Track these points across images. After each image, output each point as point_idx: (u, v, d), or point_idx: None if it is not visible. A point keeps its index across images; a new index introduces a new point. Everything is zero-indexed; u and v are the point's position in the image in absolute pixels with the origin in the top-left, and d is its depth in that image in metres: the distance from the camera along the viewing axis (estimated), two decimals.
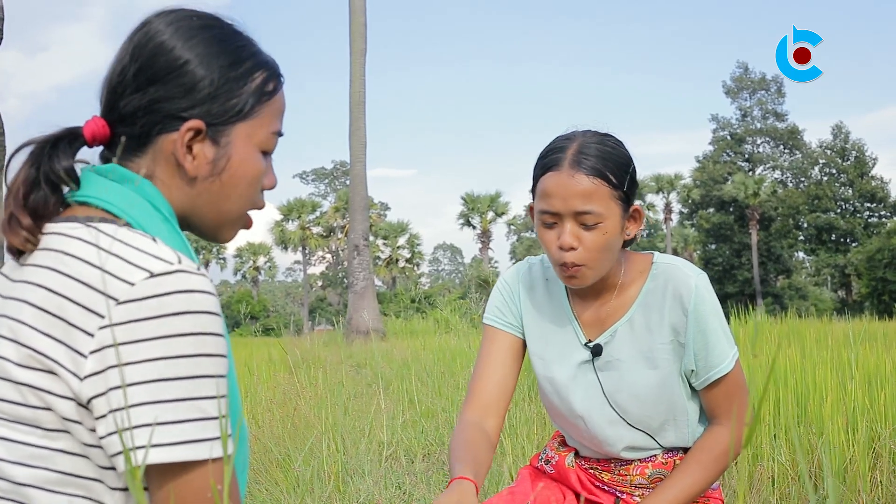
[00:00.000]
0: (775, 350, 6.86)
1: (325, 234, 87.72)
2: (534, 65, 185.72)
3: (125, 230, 1.53)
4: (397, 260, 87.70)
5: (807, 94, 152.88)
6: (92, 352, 1.43)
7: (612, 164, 2.47)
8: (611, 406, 2.65)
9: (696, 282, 2.55)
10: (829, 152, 76.07)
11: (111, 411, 1.42)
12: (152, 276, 1.44)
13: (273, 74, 1.77)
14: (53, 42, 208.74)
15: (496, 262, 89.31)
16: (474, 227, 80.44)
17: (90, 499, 1.51)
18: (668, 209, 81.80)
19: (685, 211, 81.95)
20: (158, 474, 1.45)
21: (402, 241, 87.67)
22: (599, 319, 2.68)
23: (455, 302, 22.39)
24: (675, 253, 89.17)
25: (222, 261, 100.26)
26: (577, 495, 2.80)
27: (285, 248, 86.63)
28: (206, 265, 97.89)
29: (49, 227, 1.58)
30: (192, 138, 1.66)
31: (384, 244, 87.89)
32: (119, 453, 1.42)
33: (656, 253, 2.69)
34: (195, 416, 1.43)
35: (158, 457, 1.41)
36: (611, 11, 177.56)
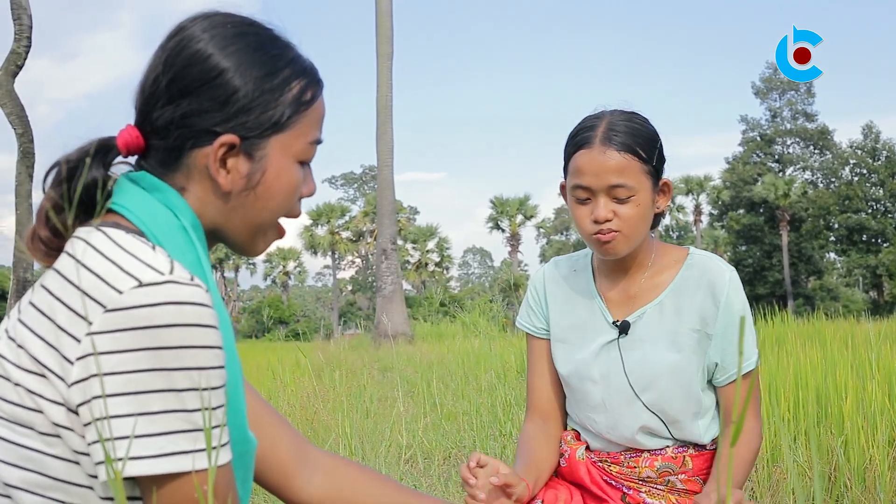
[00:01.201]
0: (797, 350, 6.82)
1: (354, 238, 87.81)
2: (564, 70, 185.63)
3: (126, 236, 1.51)
4: (427, 264, 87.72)
5: (837, 94, 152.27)
6: (78, 358, 1.42)
7: (641, 139, 2.58)
8: (629, 384, 2.70)
9: (730, 276, 2.67)
10: (859, 152, 75.51)
11: (95, 420, 1.41)
12: (141, 285, 1.42)
13: (312, 81, 1.73)
14: (83, 50, 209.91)
15: (526, 265, 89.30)
16: (503, 231, 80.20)
17: None
18: (697, 211, 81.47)
19: (715, 212, 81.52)
20: (149, 485, 1.45)
21: (431, 244, 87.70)
22: (628, 298, 2.76)
23: (485, 305, 22.36)
24: None
25: (252, 266, 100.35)
26: (583, 495, 2.81)
27: (315, 252, 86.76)
28: (237, 270, 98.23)
29: (76, 232, 1.56)
30: (226, 153, 1.63)
31: (413, 248, 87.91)
32: (102, 462, 1.41)
33: (692, 248, 2.79)
34: (182, 427, 1.42)
35: (141, 469, 1.40)
36: (639, 16, 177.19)
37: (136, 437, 1.39)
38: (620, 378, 2.71)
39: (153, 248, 1.50)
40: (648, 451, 2.73)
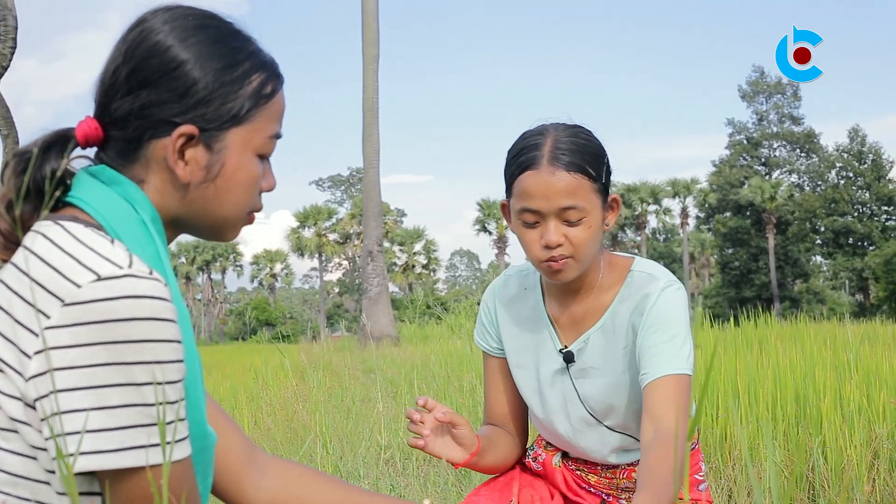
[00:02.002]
0: (777, 351, 6.84)
1: (341, 240, 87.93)
2: (550, 70, 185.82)
3: (85, 229, 1.50)
4: (414, 266, 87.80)
5: (823, 97, 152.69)
6: (36, 352, 1.41)
7: (589, 156, 2.44)
8: (588, 412, 2.64)
9: (662, 288, 2.52)
10: (845, 156, 75.69)
11: (53, 414, 1.40)
12: (99, 279, 1.41)
13: (272, 75, 1.72)
14: (70, 50, 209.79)
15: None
16: (490, 233, 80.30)
17: (37, 501, 1.49)
18: (684, 214, 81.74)
19: (702, 215, 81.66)
20: (110, 480, 1.44)
21: (418, 247, 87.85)
22: (575, 322, 2.65)
23: (473, 307, 22.36)
24: (692, 258, 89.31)
25: (239, 268, 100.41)
26: (563, 496, 2.80)
27: (302, 254, 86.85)
28: (223, 272, 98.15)
29: (34, 226, 1.55)
30: (185, 144, 1.62)
31: (401, 250, 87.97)
32: (70, 455, 1.40)
33: (637, 258, 2.66)
34: (141, 422, 1.41)
35: (100, 462, 1.40)
36: (626, 16, 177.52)
37: (95, 431, 1.39)
38: (579, 408, 2.65)
39: (112, 241, 1.49)
40: (626, 463, 2.72)
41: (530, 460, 2.88)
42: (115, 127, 1.63)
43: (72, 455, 1.38)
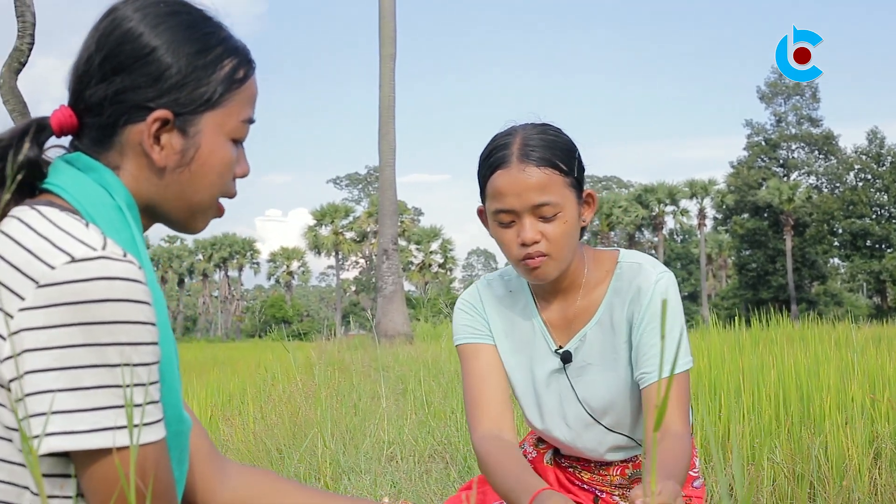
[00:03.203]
0: (782, 351, 6.83)
1: (358, 239, 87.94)
2: (569, 71, 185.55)
3: (60, 213, 1.51)
4: (430, 265, 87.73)
5: (842, 99, 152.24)
6: (11, 334, 1.42)
7: (559, 151, 2.44)
8: (586, 411, 2.62)
9: (657, 278, 2.52)
10: (864, 157, 75.44)
11: (26, 395, 1.40)
12: (73, 260, 1.42)
13: (244, 60, 1.74)
14: None
15: None
16: None
17: (13, 483, 1.49)
18: (701, 215, 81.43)
19: (719, 216, 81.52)
20: (83, 461, 1.45)
21: (434, 245, 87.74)
22: (567, 321, 2.64)
23: None
24: (709, 259, 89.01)
25: (256, 265, 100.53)
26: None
27: (318, 252, 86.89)
28: (240, 270, 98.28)
29: (11, 211, 1.55)
30: (160, 129, 1.63)
31: (417, 249, 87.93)
32: (35, 437, 1.40)
33: (621, 250, 2.66)
34: (114, 403, 1.41)
35: (73, 443, 1.40)
36: (645, 19, 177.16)
37: (68, 412, 1.39)
38: (576, 406, 2.63)
39: (86, 224, 1.50)
40: (620, 460, 2.71)
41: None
42: (90, 114, 1.64)
43: (41, 436, 1.39)
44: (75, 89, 1.66)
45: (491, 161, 2.47)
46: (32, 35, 13.70)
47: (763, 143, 77.99)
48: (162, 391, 1.54)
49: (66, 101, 1.69)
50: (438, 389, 8.75)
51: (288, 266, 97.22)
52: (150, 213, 1.73)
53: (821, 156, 78.07)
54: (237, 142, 1.76)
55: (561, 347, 2.64)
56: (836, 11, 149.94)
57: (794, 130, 77.36)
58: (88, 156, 1.65)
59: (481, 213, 2.61)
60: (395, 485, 5.20)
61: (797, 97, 76.71)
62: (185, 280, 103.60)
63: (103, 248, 1.45)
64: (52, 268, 1.42)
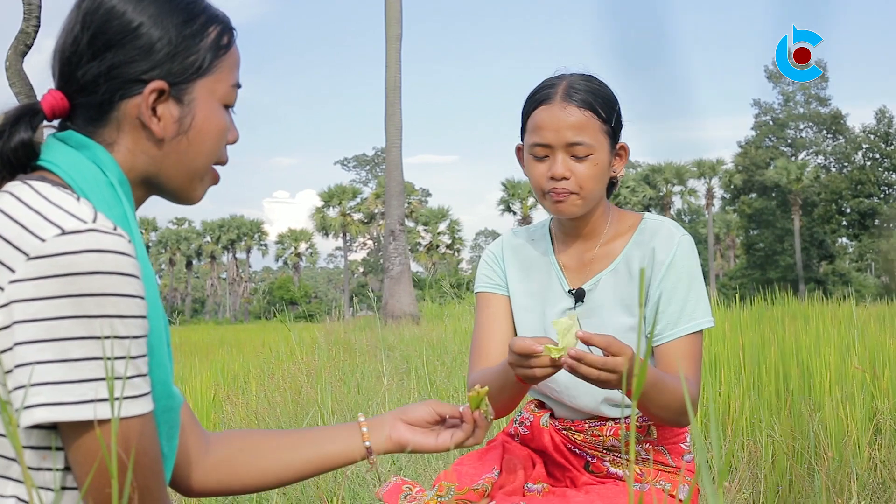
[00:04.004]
0: (783, 328, 6.84)
1: (365, 220, 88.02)
2: (577, 51, 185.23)
3: (51, 188, 1.52)
4: (437, 246, 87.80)
5: (850, 78, 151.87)
6: (2, 306, 1.43)
7: (601, 99, 2.60)
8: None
9: (679, 238, 2.64)
10: (872, 137, 75.26)
11: (16, 366, 1.42)
12: (63, 233, 1.43)
13: (226, 27, 1.77)
14: None
15: None
16: (515, 213, 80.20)
17: (3, 456, 1.51)
18: (709, 194, 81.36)
19: (727, 196, 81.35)
20: (70, 433, 1.46)
21: (442, 227, 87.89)
22: (583, 265, 2.75)
23: None
24: (717, 239, 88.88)
25: (264, 247, 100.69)
26: (546, 463, 2.81)
27: (326, 234, 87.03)
28: (248, 252, 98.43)
29: (3, 187, 1.57)
30: (157, 100, 1.66)
31: (425, 230, 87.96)
32: (27, 408, 1.42)
33: (647, 213, 2.78)
34: (100, 375, 1.43)
35: (62, 414, 1.41)
36: None
37: (56, 383, 1.40)
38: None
39: (77, 198, 1.51)
40: (613, 419, 2.73)
41: (517, 425, 2.89)
42: (83, 94, 1.66)
43: (23, 407, 1.41)
44: (64, 71, 1.68)
45: (536, 97, 2.64)
46: (38, 17, 13.69)
47: (771, 122, 77.81)
48: (151, 366, 1.55)
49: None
50: (442, 369, 8.77)
51: (296, 248, 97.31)
52: (147, 186, 1.76)
53: (829, 135, 77.88)
54: (227, 107, 1.79)
55: (573, 290, 2.73)
56: None
57: (802, 110, 77.18)
58: (82, 134, 1.66)
59: (519, 151, 2.76)
60: (395, 462, 5.21)
61: None
62: (193, 262, 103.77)
63: (94, 221, 1.46)
64: (43, 240, 1.43)
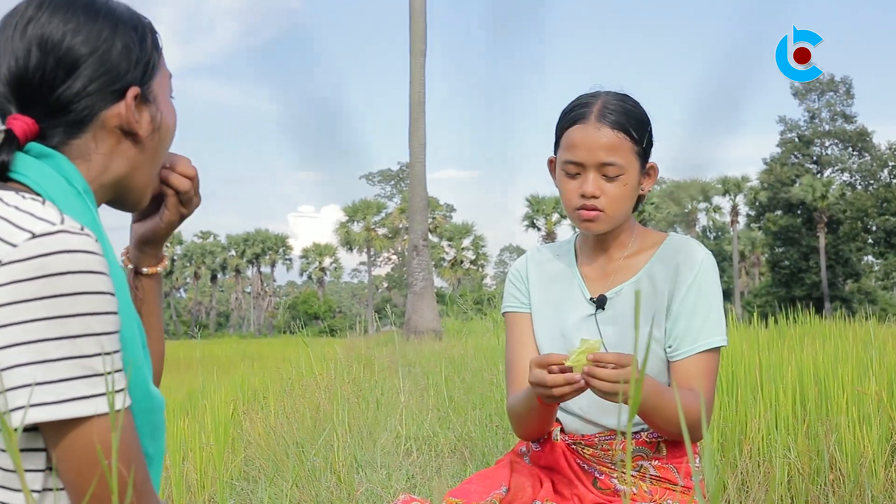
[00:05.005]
0: (803, 347, 6.81)
1: (390, 235, 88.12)
2: (600, 65, 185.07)
3: (17, 196, 1.56)
4: (462, 261, 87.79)
5: (876, 95, 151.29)
6: None
7: (634, 120, 2.67)
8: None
9: (703, 257, 2.71)
10: None
11: (1, 370, 1.45)
12: (34, 236, 1.47)
13: (151, 26, 1.85)
14: None
15: None
16: (539, 229, 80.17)
17: None
18: (734, 212, 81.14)
19: (752, 213, 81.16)
20: (53, 433, 1.49)
21: (466, 242, 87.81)
22: (605, 275, 2.81)
23: None
24: (742, 256, 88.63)
25: (288, 261, 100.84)
26: (553, 480, 2.81)
27: (351, 249, 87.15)
28: (273, 266, 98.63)
29: None
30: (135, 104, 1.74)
31: (449, 245, 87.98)
32: (7, 412, 1.45)
33: (671, 233, 2.85)
34: (80, 373, 1.46)
35: (41, 415, 1.44)
36: (679, 13, 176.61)
37: (36, 384, 1.44)
38: (600, 350, 2.70)
39: (43, 202, 1.55)
40: (622, 434, 2.74)
41: (530, 442, 2.91)
42: (60, 114, 1.69)
43: (19, 408, 1.44)
44: (32, 97, 1.69)
45: (571, 115, 2.70)
46: None
47: (796, 139, 77.51)
48: (129, 366, 1.58)
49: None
50: (462, 385, 8.79)
51: (320, 262, 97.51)
52: (113, 190, 1.81)
53: (854, 152, 77.55)
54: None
55: (594, 298, 2.79)
56: (873, 4, 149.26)
57: (827, 127, 76.85)
58: (53, 148, 1.70)
59: (551, 163, 2.82)
60: (410, 479, 5.23)
61: (831, 93, 76.20)
62: (218, 276, 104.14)
63: (62, 223, 1.50)
64: (15, 246, 1.47)
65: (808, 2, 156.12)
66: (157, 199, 1.99)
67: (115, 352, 1.52)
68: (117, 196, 1.83)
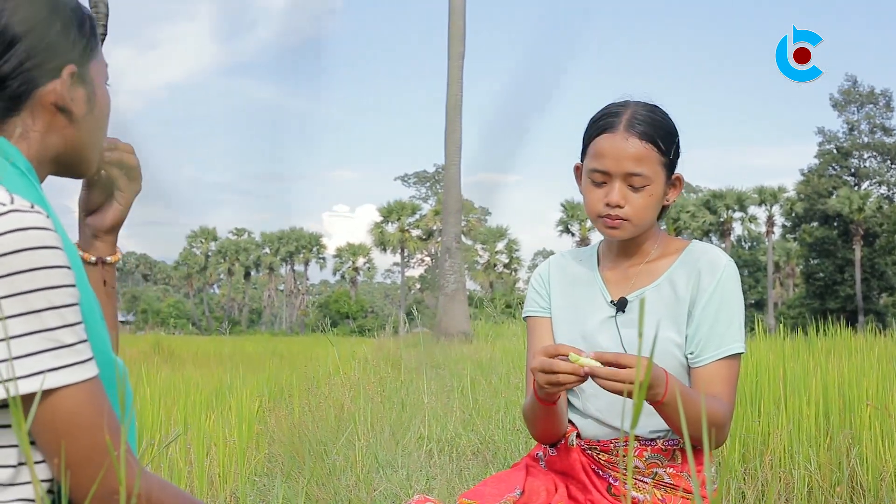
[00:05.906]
0: (828, 360, 6.79)
1: (424, 236, 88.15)
2: (639, 72, 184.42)
3: None
4: (495, 265, 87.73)
5: None
6: None
7: (662, 131, 2.69)
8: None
9: (726, 263, 2.73)
10: None
11: None
12: None
13: (91, 13, 1.89)
14: (163, 40, 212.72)
15: None
16: (573, 234, 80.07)
17: None
18: (770, 222, 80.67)
19: (788, 224, 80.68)
20: (26, 407, 1.52)
21: (500, 245, 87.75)
22: (626, 279, 2.83)
23: None
24: (777, 267, 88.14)
25: (322, 260, 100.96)
26: (568, 486, 2.82)
27: (384, 249, 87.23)
28: (307, 264, 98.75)
29: None
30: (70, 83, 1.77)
31: (483, 249, 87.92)
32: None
33: (694, 240, 2.87)
34: (47, 346, 1.50)
35: (11, 391, 1.47)
36: (717, 23, 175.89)
37: (4, 360, 1.47)
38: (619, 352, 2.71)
39: None
40: (638, 440, 2.75)
41: (546, 446, 2.92)
42: None
43: None
44: None
45: (600, 124, 2.72)
46: (105, 25, 13.88)
47: (834, 151, 76.97)
48: (88, 335, 1.61)
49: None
50: (488, 388, 8.78)
51: (354, 262, 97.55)
52: (55, 164, 1.85)
53: (893, 165, 76.95)
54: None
55: (615, 300, 2.82)
56: None
57: (866, 139, 76.26)
58: None
59: (577, 170, 2.85)
60: (430, 480, 5.24)
61: (870, 106, 75.66)
62: (252, 273, 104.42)
63: (11, 202, 1.54)
64: None
65: (846, 14, 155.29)
66: (104, 191, 2.07)
67: (78, 323, 1.56)
68: (61, 168, 1.88)
